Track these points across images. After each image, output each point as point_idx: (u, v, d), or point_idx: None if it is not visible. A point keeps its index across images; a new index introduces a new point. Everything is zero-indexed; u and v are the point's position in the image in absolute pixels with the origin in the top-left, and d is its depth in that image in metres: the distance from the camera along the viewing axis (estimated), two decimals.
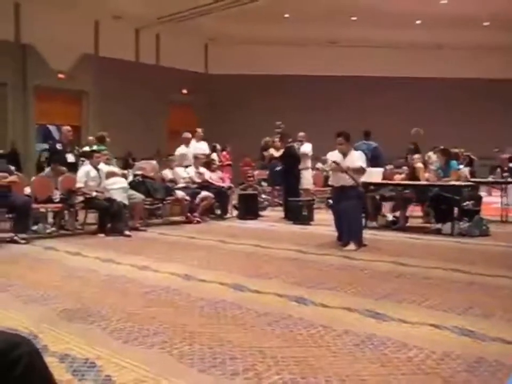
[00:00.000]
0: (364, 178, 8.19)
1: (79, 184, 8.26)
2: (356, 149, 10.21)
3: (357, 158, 7.19)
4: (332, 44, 18.82)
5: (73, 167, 8.95)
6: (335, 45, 18.90)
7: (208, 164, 11.05)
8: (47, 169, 8.88)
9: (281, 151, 11.11)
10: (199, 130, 12.10)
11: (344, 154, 7.17)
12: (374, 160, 10.07)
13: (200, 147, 11.58)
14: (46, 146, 10.54)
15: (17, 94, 14.48)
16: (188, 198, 9.74)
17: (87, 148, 10.14)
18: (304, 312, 3.89)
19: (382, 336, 3.32)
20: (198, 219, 9.76)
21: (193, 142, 11.80)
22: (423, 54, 19.13)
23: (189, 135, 11.52)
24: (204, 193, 10.05)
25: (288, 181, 10.59)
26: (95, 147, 10.16)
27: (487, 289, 4.58)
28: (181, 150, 11.32)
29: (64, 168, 8.79)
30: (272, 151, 11.71)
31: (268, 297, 4.34)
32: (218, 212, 10.70)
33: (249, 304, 4.09)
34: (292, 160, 10.54)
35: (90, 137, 11.66)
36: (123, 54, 16.59)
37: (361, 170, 7.15)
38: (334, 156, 7.26)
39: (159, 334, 3.38)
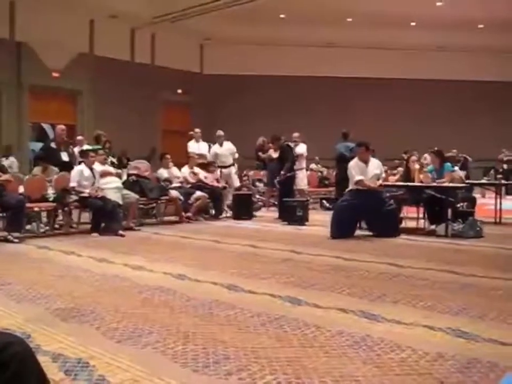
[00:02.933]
0: None
1: (72, 184, 8.24)
2: (336, 150, 10.72)
3: (377, 165, 8.23)
4: (327, 45, 18.84)
5: (68, 166, 8.91)
6: (331, 46, 18.92)
7: (207, 165, 11.09)
8: (35, 168, 8.83)
9: (278, 152, 11.10)
10: (198, 130, 12.09)
11: (366, 162, 8.13)
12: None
13: (202, 148, 11.64)
14: (40, 145, 10.49)
15: (11, 93, 14.42)
16: (181, 197, 9.73)
17: (87, 147, 10.06)
18: (298, 312, 3.89)
19: (376, 337, 3.32)
20: (189, 218, 9.76)
21: (192, 142, 11.80)
22: (418, 56, 19.18)
23: (221, 132, 11.75)
24: (198, 193, 10.04)
25: (283, 181, 10.56)
26: (86, 146, 10.13)
27: (481, 291, 4.59)
28: (215, 149, 11.67)
29: (55, 168, 8.73)
30: (271, 152, 11.72)
31: (261, 297, 4.33)
32: (213, 212, 10.69)
33: (243, 304, 4.08)
34: (284, 158, 10.55)
35: (79, 137, 11.60)
36: (118, 53, 16.55)
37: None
38: (357, 165, 8.11)
39: (153, 334, 3.37)
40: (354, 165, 8.16)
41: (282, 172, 10.39)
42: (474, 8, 15.29)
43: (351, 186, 8.13)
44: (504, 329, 3.50)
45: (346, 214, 7.88)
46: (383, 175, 8.57)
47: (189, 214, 9.88)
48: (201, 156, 11.50)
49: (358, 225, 8.34)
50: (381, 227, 7.98)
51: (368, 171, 8.07)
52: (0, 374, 1.62)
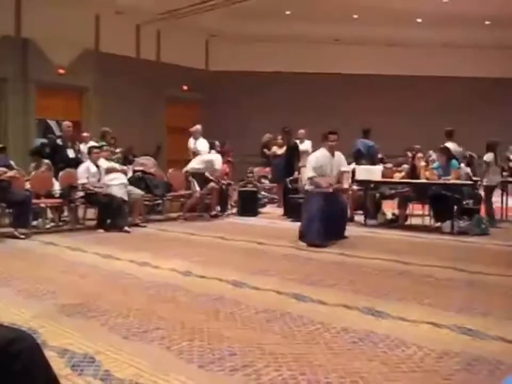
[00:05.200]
0: (363, 176, 8.54)
1: (82, 180, 8.25)
2: (354, 146, 10.48)
3: (342, 160, 7.50)
4: (333, 41, 18.78)
5: (74, 163, 8.93)
6: (337, 42, 18.86)
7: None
8: (32, 165, 8.84)
9: (284, 148, 11.08)
10: (199, 127, 12.06)
11: (332, 154, 7.33)
12: (368, 158, 10.16)
13: (201, 144, 11.56)
14: (44, 141, 10.49)
15: (17, 89, 14.43)
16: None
17: (93, 144, 10.07)
18: (303, 309, 3.89)
19: (381, 333, 3.33)
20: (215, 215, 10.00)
21: (192, 139, 11.76)
22: (424, 53, 19.08)
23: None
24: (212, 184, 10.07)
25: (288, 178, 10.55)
26: (92, 143, 10.15)
27: (486, 288, 4.58)
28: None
29: (46, 161, 8.67)
30: (275, 149, 11.69)
31: (267, 294, 4.34)
32: (218, 208, 10.69)
33: (248, 300, 4.09)
34: (294, 157, 10.55)
35: (85, 134, 11.61)
36: (124, 49, 16.52)
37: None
38: (321, 155, 7.31)
39: (158, 330, 3.38)
40: (315, 158, 7.31)
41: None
42: (480, 4, 15.20)
43: (306, 186, 7.43)
44: (510, 326, 3.50)
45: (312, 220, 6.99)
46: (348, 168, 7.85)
47: (215, 212, 10.04)
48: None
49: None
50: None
51: (333, 165, 7.28)
52: (8, 368, 1.63)
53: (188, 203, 9.85)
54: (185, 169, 10.00)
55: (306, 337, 3.29)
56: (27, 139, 14.41)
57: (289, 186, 10.46)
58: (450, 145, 9.59)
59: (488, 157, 9.40)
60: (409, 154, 10.18)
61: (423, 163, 8.94)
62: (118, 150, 10.17)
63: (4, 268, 5.30)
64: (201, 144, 11.33)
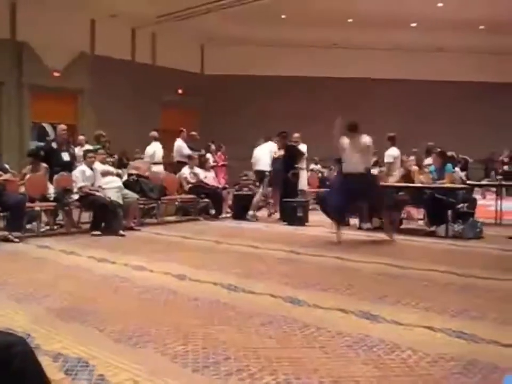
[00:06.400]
0: None
1: (80, 184, 8.23)
2: None
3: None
4: (328, 45, 18.84)
5: (69, 166, 8.90)
6: (332, 46, 18.92)
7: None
8: (28, 167, 8.81)
9: (280, 152, 11.07)
10: (184, 130, 12.06)
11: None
12: None
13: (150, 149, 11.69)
14: (40, 144, 10.46)
15: (12, 92, 14.43)
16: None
17: (88, 147, 10.07)
18: (298, 313, 3.89)
19: (376, 337, 3.32)
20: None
21: (178, 141, 11.79)
22: (418, 57, 19.18)
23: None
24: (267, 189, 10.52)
25: (286, 181, 10.54)
26: (87, 146, 10.14)
27: (481, 292, 4.59)
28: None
29: (44, 165, 8.67)
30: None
31: (261, 297, 4.33)
32: (213, 212, 10.68)
33: (243, 304, 4.08)
34: (291, 160, 10.55)
35: (80, 137, 11.60)
36: (119, 53, 16.54)
37: None
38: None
39: (153, 334, 3.37)
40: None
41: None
42: (475, 9, 15.28)
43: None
44: (505, 330, 3.50)
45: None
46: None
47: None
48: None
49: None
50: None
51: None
52: (2, 372, 1.62)
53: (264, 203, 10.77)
54: (263, 169, 10.69)
55: (301, 341, 3.28)
56: (21, 142, 14.39)
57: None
58: (393, 150, 9.69)
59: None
60: (405, 158, 10.20)
61: (414, 167, 8.96)
62: (111, 159, 10.15)
63: None
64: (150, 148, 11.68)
